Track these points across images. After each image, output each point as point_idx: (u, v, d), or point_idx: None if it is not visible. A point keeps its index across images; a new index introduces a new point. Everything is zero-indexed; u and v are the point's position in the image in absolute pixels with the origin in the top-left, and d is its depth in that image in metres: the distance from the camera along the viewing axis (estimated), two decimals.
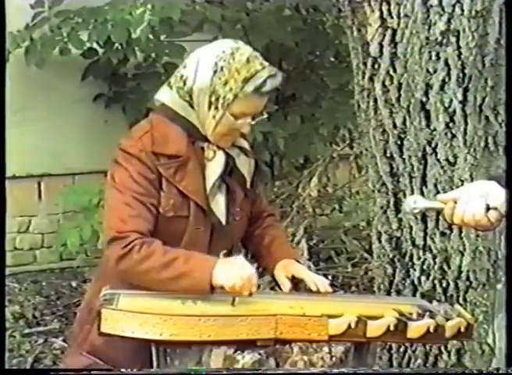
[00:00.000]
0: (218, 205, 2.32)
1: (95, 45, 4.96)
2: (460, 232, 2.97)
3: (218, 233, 2.33)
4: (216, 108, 2.23)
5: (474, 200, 1.95)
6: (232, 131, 2.28)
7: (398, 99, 2.96)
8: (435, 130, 2.94)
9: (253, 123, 2.29)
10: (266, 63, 2.25)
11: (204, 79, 2.22)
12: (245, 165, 2.38)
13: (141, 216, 2.22)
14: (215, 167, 2.30)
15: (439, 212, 2.23)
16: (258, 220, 2.54)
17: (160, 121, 2.31)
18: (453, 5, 2.85)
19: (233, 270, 2.14)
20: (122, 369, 2.08)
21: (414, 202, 2.08)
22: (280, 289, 2.38)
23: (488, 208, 1.95)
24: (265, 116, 2.32)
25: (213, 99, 2.23)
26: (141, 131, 2.30)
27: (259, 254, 2.52)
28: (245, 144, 2.39)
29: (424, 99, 2.92)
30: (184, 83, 2.26)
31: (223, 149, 2.32)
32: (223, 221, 2.33)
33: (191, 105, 2.27)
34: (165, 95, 2.32)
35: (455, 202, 1.99)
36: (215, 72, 2.21)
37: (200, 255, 2.21)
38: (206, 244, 2.31)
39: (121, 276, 2.22)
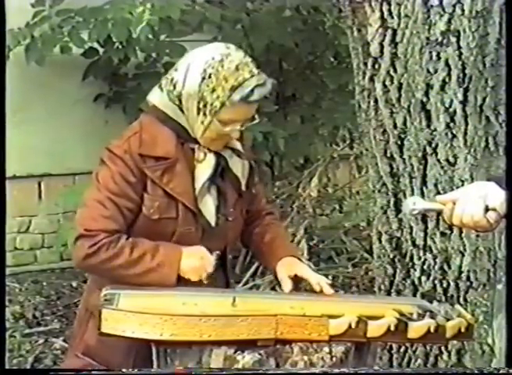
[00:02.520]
0: (207, 207, 2.31)
1: (96, 45, 4.97)
2: (461, 232, 2.97)
3: (209, 234, 2.33)
4: (204, 114, 2.23)
5: (473, 201, 1.95)
6: (221, 136, 2.28)
7: (398, 99, 2.96)
8: (435, 130, 2.94)
9: (242, 128, 2.29)
10: (256, 71, 2.23)
11: (193, 85, 2.22)
12: (238, 166, 2.37)
13: (112, 217, 2.24)
14: (204, 169, 2.30)
15: (438, 212, 2.24)
16: (258, 219, 2.54)
17: (150, 122, 2.31)
18: (454, 6, 2.85)
19: (198, 263, 2.23)
20: (124, 370, 2.07)
21: (413, 204, 2.08)
22: (281, 287, 2.38)
23: (487, 209, 1.95)
24: (256, 121, 2.31)
25: (201, 105, 2.22)
26: (130, 132, 2.31)
27: (260, 251, 2.52)
28: (238, 146, 2.37)
29: (424, 99, 2.93)
30: (174, 87, 2.26)
31: (214, 151, 2.32)
32: (212, 223, 2.33)
33: (181, 109, 2.27)
34: (156, 97, 2.32)
35: (454, 203, 1.99)
36: (203, 78, 2.21)
37: (166, 248, 2.24)
38: (197, 245, 2.30)
39: (88, 272, 2.29)
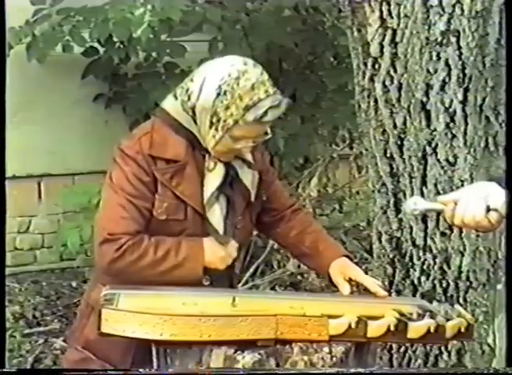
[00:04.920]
0: (215, 215, 2.32)
1: (96, 44, 4.97)
2: (461, 232, 2.97)
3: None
4: (216, 129, 2.23)
5: (475, 201, 1.95)
6: (232, 150, 2.29)
7: (398, 99, 2.96)
8: (435, 130, 2.94)
9: (254, 144, 2.29)
10: (272, 91, 2.22)
11: (207, 99, 2.21)
12: (248, 176, 2.37)
13: (132, 218, 2.25)
14: (214, 178, 2.31)
15: (439, 213, 2.24)
16: (284, 219, 2.53)
17: (162, 125, 2.31)
18: (453, 6, 2.85)
19: (222, 251, 2.30)
20: (139, 369, 2.07)
21: (414, 204, 2.08)
22: (338, 289, 2.40)
23: (488, 210, 1.94)
24: (268, 136, 2.30)
25: (214, 120, 2.22)
26: (141, 132, 2.31)
27: (304, 255, 2.51)
28: (248, 157, 2.37)
29: (424, 99, 2.93)
30: (189, 98, 2.25)
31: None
32: (220, 231, 2.33)
33: (194, 120, 2.26)
34: (170, 105, 2.31)
35: (455, 204, 1.99)
36: (218, 94, 2.19)
37: (188, 242, 2.27)
38: None
39: (115, 275, 2.27)
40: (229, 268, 2.38)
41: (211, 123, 2.23)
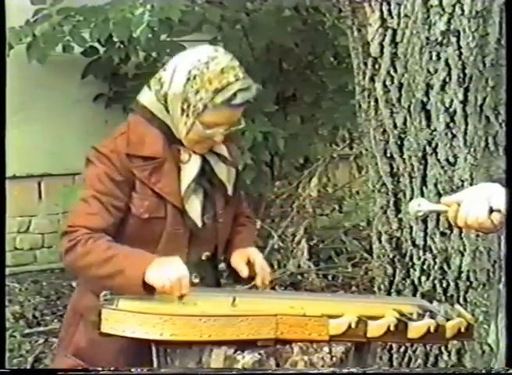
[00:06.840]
0: (193, 208, 2.31)
1: (97, 44, 4.97)
2: (461, 232, 2.97)
3: (197, 235, 2.33)
4: (187, 115, 2.24)
5: (478, 202, 1.95)
6: (204, 139, 2.28)
7: (399, 99, 2.96)
8: (435, 130, 2.94)
9: (226, 132, 2.28)
10: (241, 75, 2.23)
11: (178, 85, 2.23)
12: (223, 171, 2.37)
13: (97, 215, 2.24)
14: (189, 170, 2.30)
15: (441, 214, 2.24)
16: (235, 220, 2.52)
17: (138, 122, 2.31)
18: (453, 5, 2.85)
19: (164, 271, 2.13)
20: (133, 369, 2.07)
21: (418, 205, 2.08)
22: (235, 278, 2.40)
23: (491, 211, 1.94)
24: (242, 125, 2.31)
25: (185, 106, 2.23)
26: (117, 132, 2.32)
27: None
28: (223, 151, 2.37)
29: (424, 99, 2.93)
30: (161, 86, 2.27)
31: (200, 154, 2.32)
32: (198, 224, 2.32)
33: (166, 109, 2.28)
34: (145, 96, 2.34)
35: (459, 205, 1.99)
36: (188, 79, 2.22)
37: (140, 253, 2.19)
38: (185, 246, 2.30)
39: (68, 269, 2.28)
40: (212, 268, 2.40)
41: (182, 110, 2.23)
